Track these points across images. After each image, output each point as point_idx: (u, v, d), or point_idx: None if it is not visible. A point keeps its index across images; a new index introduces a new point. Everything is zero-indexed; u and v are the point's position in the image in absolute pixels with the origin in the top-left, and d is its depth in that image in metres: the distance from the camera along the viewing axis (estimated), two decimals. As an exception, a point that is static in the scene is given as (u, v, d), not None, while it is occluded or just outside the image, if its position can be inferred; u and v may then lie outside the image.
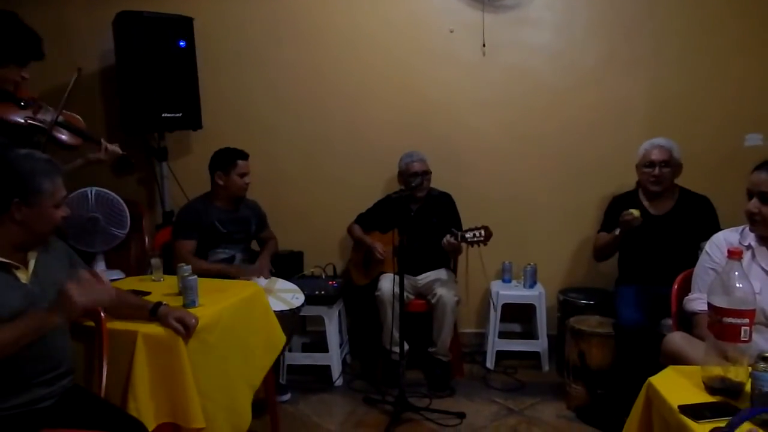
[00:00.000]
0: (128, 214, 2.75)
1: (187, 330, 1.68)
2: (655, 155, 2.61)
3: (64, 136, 2.13)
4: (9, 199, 1.41)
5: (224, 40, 3.28)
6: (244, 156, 2.75)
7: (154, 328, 1.68)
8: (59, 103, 2.11)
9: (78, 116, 2.27)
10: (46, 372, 1.48)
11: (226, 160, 2.72)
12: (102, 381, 1.62)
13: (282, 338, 2.21)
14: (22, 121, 2.00)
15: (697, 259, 1.94)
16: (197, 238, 2.68)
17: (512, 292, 3.11)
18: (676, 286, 1.98)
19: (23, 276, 1.47)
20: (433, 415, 2.52)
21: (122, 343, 1.65)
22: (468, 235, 2.67)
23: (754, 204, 1.65)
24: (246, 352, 1.99)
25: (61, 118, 2.09)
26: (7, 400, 1.42)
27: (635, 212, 2.45)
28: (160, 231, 2.96)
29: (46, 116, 2.07)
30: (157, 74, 2.93)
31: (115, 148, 2.22)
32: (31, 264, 1.51)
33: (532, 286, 3.11)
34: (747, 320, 1.18)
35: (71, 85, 2.12)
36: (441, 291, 2.82)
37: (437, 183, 3.09)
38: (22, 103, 2.03)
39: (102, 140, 2.21)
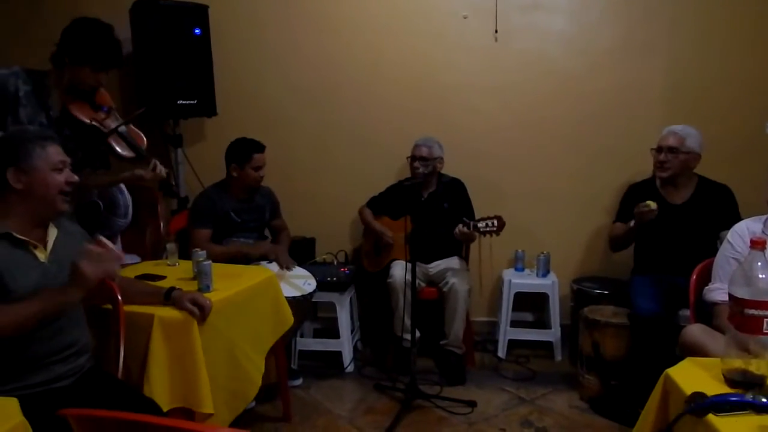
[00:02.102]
0: (130, 203, 2.72)
1: (202, 311, 1.70)
2: (665, 141, 2.53)
3: (118, 147, 2.21)
4: (3, 168, 1.45)
5: (238, 28, 3.27)
6: (260, 149, 2.73)
7: (170, 312, 1.71)
8: (126, 117, 2.29)
9: (141, 134, 2.34)
10: (62, 350, 1.50)
11: (242, 153, 2.69)
12: (119, 363, 1.64)
13: (290, 320, 2.21)
14: (87, 120, 2.13)
15: (715, 249, 1.91)
16: (212, 227, 2.69)
17: (525, 280, 3.09)
18: (695, 277, 1.95)
19: (41, 255, 1.50)
20: (444, 403, 2.53)
21: (139, 327, 1.68)
22: (480, 224, 2.64)
23: (776, 194, 1.61)
24: (253, 335, 2.01)
25: (123, 129, 2.20)
26: (25, 378, 1.44)
27: (652, 204, 2.35)
28: (176, 216, 2.98)
29: (112, 123, 2.19)
30: (173, 62, 2.96)
31: (161, 170, 2.22)
32: (50, 243, 1.53)
33: (545, 275, 3.08)
34: (770, 312, 1.15)
35: (137, 113, 2.31)
36: (453, 279, 2.81)
37: (449, 170, 3.07)
38: (96, 107, 2.17)
39: (153, 160, 2.23)
